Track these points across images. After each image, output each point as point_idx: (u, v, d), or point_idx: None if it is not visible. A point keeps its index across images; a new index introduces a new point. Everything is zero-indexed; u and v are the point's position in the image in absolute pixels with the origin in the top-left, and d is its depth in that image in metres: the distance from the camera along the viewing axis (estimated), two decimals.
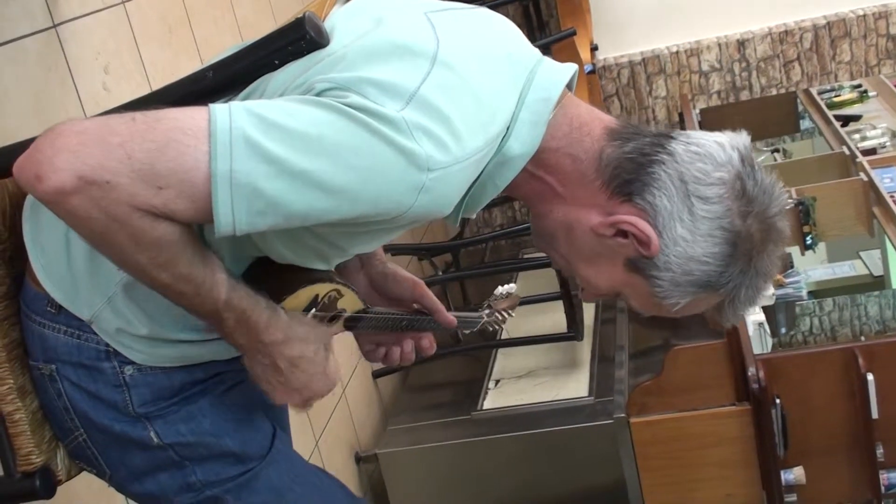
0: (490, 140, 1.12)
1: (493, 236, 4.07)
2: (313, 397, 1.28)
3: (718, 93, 5.23)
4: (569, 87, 1.24)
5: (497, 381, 3.81)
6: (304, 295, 1.27)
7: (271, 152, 1.01)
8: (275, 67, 1.13)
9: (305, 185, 1.02)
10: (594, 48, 5.08)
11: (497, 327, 1.74)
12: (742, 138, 1.20)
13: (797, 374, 3.40)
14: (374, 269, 1.52)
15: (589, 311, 4.16)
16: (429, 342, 1.54)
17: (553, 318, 4.10)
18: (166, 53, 2.76)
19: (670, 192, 1.16)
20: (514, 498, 3.57)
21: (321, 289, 1.28)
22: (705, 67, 5.22)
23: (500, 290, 1.74)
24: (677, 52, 5.21)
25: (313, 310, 1.29)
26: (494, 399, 3.68)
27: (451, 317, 1.52)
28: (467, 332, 1.68)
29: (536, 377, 3.78)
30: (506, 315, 1.75)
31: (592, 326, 4.07)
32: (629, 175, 1.17)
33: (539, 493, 3.54)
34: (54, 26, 2.29)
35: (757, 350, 3.65)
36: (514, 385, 3.76)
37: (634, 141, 1.19)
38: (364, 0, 1.22)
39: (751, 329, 3.85)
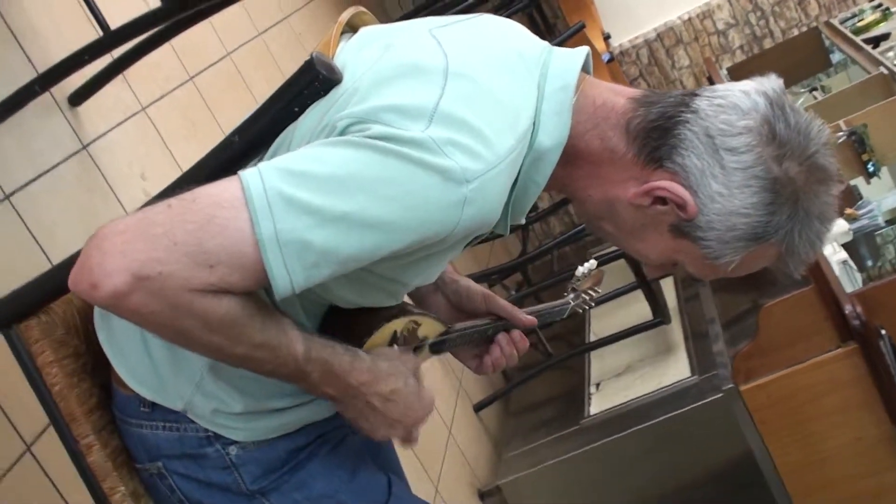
0: (520, 138, 1.11)
1: (557, 244, 4.03)
2: (415, 426, 1.27)
3: (741, 47, 5.17)
4: (585, 70, 1.23)
5: (598, 385, 3.77)
6: (383, 334, 1.26)
7: (310, 203, 1.01)
8: (296, 116, 1.13)
9: (350, 226, 1.02)
10: (607, 37, 5.06)
11: (587, 307, 1.71)
12: (770, 82, 1.17)
13: None
14: (448, 288, 1.52)
15: (671, 293, 4.11)
16: (518, 334, 1.52)
17: (636, 308, 4.05)
18: (196, 146, 2.79)
19: (699, 150, 1.13)
20: (647, 495, 3.51)
21: (398, 324, 1.27)
22: (721, 26, 5.17)
23: (581, 269, 1.71)
24: (689, 19, 5.17)
25: (395, 346, 1.28)
26: (600, 402, 3.64)
27: (528, 318, 1.51)
28: (559, 320, 1.65)
29: (635, 370, 3.73)
30: (593, 293, 1.72)
31: (677, 307, 4.01)
32: (657, 141, 1.16)
33: (669, 485, 3.48)
34: (84, 147, 2.33)
35: (848, 288, 3.56)
36: (616, 384, 3.71)
37: (658, 106, 1.17)
38: (370, 31, 1.23)
39: (836, 269, 3.76)
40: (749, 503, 3.46)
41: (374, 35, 1.21)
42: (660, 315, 3.73)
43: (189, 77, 2.98)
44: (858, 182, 5.09)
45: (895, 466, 3.33)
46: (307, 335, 1.15)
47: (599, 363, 3.90)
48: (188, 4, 2.00)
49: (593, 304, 1.72)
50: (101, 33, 2.07)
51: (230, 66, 3.28)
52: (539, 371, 3.86)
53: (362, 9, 1.29)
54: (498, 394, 3.90)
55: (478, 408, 3.87)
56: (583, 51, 1.22)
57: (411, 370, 1.26)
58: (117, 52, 2.23)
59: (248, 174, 1.02)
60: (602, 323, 4.14)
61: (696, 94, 1.17)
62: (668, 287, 4.14)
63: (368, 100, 1.06)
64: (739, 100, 1.14)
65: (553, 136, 1.16)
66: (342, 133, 1.06)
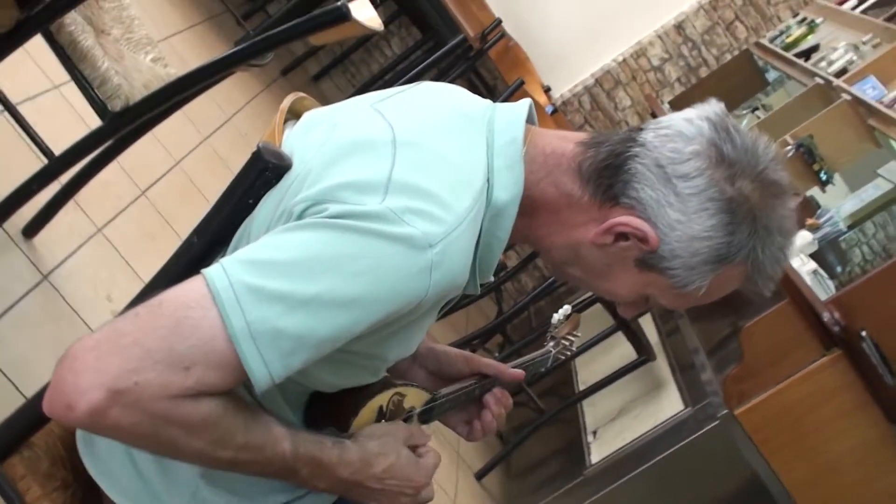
0: (476, 197, 1.12)
1: (531, 299, 4.02)
2: (420, 490, 1.25)
3: (679, 80, 5.25)
4: (530, 121, 1.24)
5: (595, 433, 3.74)
6: (368, 411, 1.25)
7: (277, 290, 1.00)
8: (251, 207, 1.13)
9: (321, 308, 1.01)
10: (547, 90, 5.13)
11: (568, 353, 1.70)
12: (711, 106, 1.19)
13: (871, 300, 3.33)
14: (426, 358, 1.50)
15: (651, 330, 4.11)
16: (499, 391, 1.49)
17: (619, 350, 4.05)
18: (159, 259, 2.75)
19: (651, 182, 1.14)
20: None
21: (382, 399, 1.26)
22: (656, 62, 5.26)
23: (557, 316, 1.70)
24: (624, 60, 5.25)
25: (382, 421, 1.26)
26: (600, 450, 3.61)
27: (516, 372, 1.49)
28: (543, 370, 1.64)
29: (629, 412, 3.71)
30: (572, 338, 1.72)
31: (660, 342, 4.01)
32: (610, 179, 1.16)
33: None
34: (45, 278, 2.31)
35: (822, 296, 3.58)
36: (612, 429, 3.69)
37: (606, 145, 1.19)
38: (313, 114, 1.24)
39: (808, 279, 3.78)
40: None
41: (318, 117, 1.21)
42: (644, 353, 3.73)
43: (141, 192, 2.97)
44: (814, 192, 5.15)
45: None
46: (293, 431, 1.13)
47: (593, 411, 3.88)
48: (127, 120, 2.00)
49: (574, 349, 1.72)
50: (45, 161, 2.06)
51: (181, 174, 3.28)
52: (534, 429, 3.83)
53: (302, 94, 1.30)
54: (497, 458, 3.86)
55: (479, 475, 3.83)
56: (525, 103, 1.23)
57: (402, 441, 1.24)
58: (65, 177, 2.22)
59: (212, 271, 1.01)
60: (588, 370, 4.13)
61: (641, 129, 1.18)
62: (647, 325, 4.15)
63: (322, 181, 1.06)
64: (684, 127, 1.15)
65: (509, 189, 1.16)
66: (300, 217, 1.05)
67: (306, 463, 1.13)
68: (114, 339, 0.98)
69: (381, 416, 1.27)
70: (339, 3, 1.86)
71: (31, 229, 2.34)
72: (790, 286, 3.51)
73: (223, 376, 1.01)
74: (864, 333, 3.29)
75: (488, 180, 1.15)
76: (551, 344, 1.68)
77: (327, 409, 1.22)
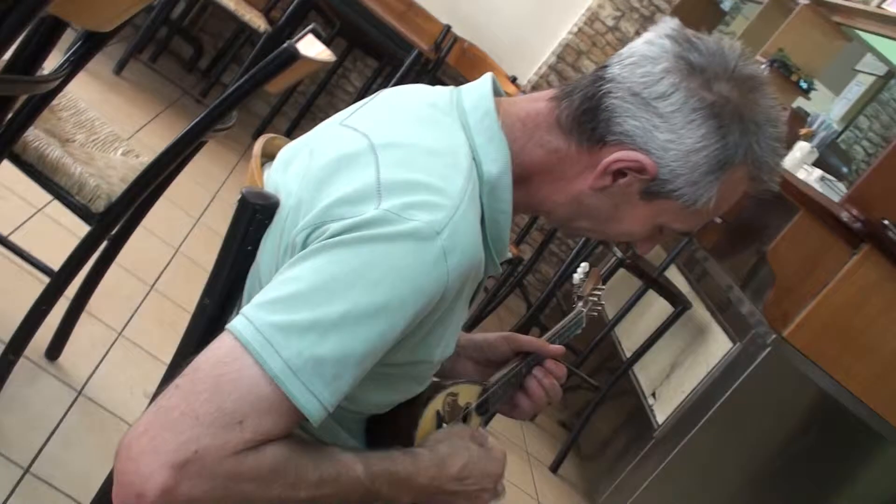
0: (467, 176, 1.11)
1: (555, 285, 4.02)
2: (498, 481, 1.25)
3: (637, 33, 5.24)
4: (497, 94, 1.23)
5: (653, 394, 3.72)
6: (427, 420, 1.24)
7: (304, 321, 1.00)
8: (253, 254, 1.13)
9: (352, 325, 1.01)
10: (513, 79, 5.13)
11: (599, 308, 1.70)
12: (666, 23, 1.18)
13: (884, 188, 3.33)
14: (469, 349, 1.50)
15: (680, 280, 4.09)
16: (551, 362, 1.49)
17: (655, 308, 4.04)
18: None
19: (631, 112, 1.13)
20: (750, 473, 3.45)
21: (437, 404, 1.25)
22: (610, 22, 5.25)
23: (577, 276, 1.70)
24: (580, 30, 5.25)
25: (444, 426, 1.26)
26: (663, 409, 3.59)
27: (555, 347, 1.49)
28: (580, 331, 1.63)
29: (681, 365, 3.69)
30: (598, 293, 1.71)
31: (691, 289, 3.99)
32: (591, 123, 1.16)
33: (765, 454, 3.42)
34: (80, 393, 2.32)
35: (836, 199, 3.56)
36: (669, 385, 3.67)
37: (578, 92, 1.18)
38: (287, 149, 1.24)
39: (818, 187, 3.76)
40: (847, 438, 3.41)
41: (294, 150, 1.21)
42: (679, 303, 3.71)
43: (149, 286, 2.98)
44: (799, 103, 5.14)
45: None
46: (362, 453, 1.12)
47: (646, 374, 3.86)
48: (114, 217, 2.01)
49: (602, 303, 1.71)
50: (47, 279, 2.07)
51: (183, 259, 3.29)
52: (594, 408, 3.81)
53: (272, 135, 1.30)
54: (566, 446, 3.84)
55: (554, 468, 3.81)
56: (486, 77, 1.23)
57: (469, 438, 1.24)
58: (71, 291, 2.23)
59: (236, 322, 1.01)
60: (630, 336, 4.11)
61: (606, 66, 1.17)
62: (675, 276, 4.13)
63: (315, 206, 1.06)
64: (646, 50, 1.14)
65: (497, 161, 1.16)
66: (304, 246, 1.05)
67: (384, 480, 1.12)
68: (161, 417, 0.98)
69: (440, 420, 1.26)
70: (285, 45, 1.86)
71: (54, 350, 2.35)
72: (802, 197, 3.50)
73: (277, 420, 1.01)
74: (886, 222, 3.27)
75: (474, 159, 1.14)
76: (580, 304, 1.68)
77: (387, 429, 1.21)
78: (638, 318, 4.14)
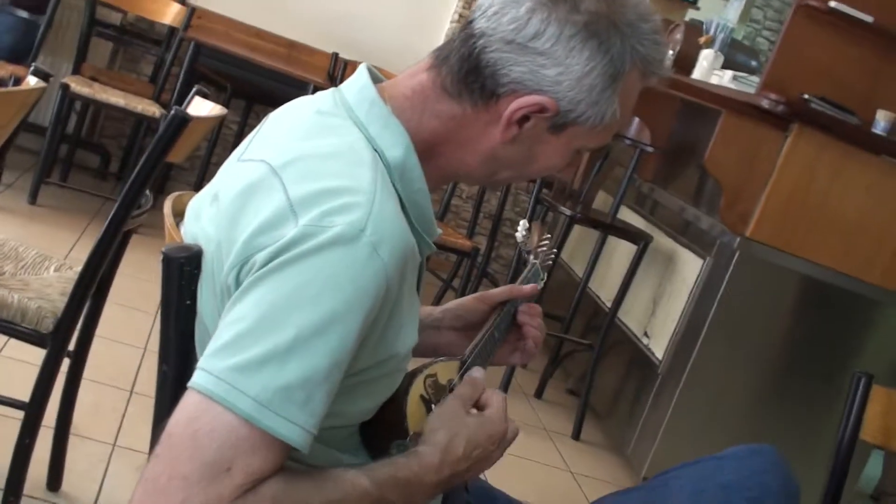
0: (372, 167, 1.11)
1: (519, 261, 4.03)
2: (504, 436, 1.25)
3: None
4: (378, 81, 1.24)
5: (645, 334, 3.74)
6: (414, 407, 1.23)
7: (259, 356, 0.99)
8: (193, 307, 1.12)
9: (307, 344, 1.00)
10: None
11: (552, 257, 1.72)
12: None
13: (793, 65, 3.39)
14: (446, 320, 1.51)
15: (633, 218, 4.12)
16: (525, 305, 1.52)
17: (619, 253, 4.06)
18: None
19: (512, 59, 1.14)
20: (764, 375, 3.47)
21: (417, 389, 1.25)
22: None
23: (519, 234, 1.72)
24: (460, 15, 5.28)
25: (433, 406, 1.25)
26: (659, 344, 3.60)
27: (528, 286, 1.52)
28: (541, 284, 1.65)
29: (662, 297, 3.71)
30: (546, 243, 1.73)
31: (647, 223, 4.02)
32: (477, 81, 1.16)
33: (772, 351, 3.45)
34: None
35: (753, 91, 3.60)
36: (657, 320, 3.69)
37: (454, 56, 1.19)
38: (195, 200, 1.23)
39: (734, 86, 3.80)
40: (841, 312, 3.44)
41: (201, 198, 1.21)
42: (640, 239, 3.73)
43: (129, 391, 2.95)
44: (690, 14, 5.20)
45: None
46: (363, 467, 1.12)
47: (632, 317, 3.88)
48: (66, 331, 1.99)
49: (555, 250, 1.72)
50: (22, 412, 2.04)
51: (153, 356, 3.25)
52: (594, 366, 3.82)
53: (177, 193, 1.30)
54: (581, 412, 3.84)
55: (576, 435, 3.81)
56: (361, 68, 1.23)
57: (462, 409, 1.23)
58: (49, 419, 2.20)
59: (195, 378, 1.00)
60: (606, 287, 4.13)
61: (471, 22, 1.18)
62: (628, 216, 4.15)
63: (234, 243, 1.06)
64: None
65: (397, 144, 1.16)
66: (238, 284, 1.05)
67: (392, 488, 1.11)
68: (150, 487, 0.97)
69: (428, 405, 1.25)
70: (173, 112, 1.86)
71: (53, 481, 2.32)
72: (721, 100, 3.53)
73: (265, 457, 1.00)
74: (806, 96, 3.32)
75: (375, 150, 1.15)
76: (531, 258, 1.69)
77: (380, 432, 1.20)
78: (607, 267, 4.16)
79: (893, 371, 3.48)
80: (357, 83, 1.21)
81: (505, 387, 3.72)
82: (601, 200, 4.36)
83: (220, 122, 4.18)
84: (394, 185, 1.14)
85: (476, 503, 1.45)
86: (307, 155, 1.10)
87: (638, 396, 3.66)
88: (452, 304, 1.53)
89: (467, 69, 1.16)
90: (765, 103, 3.25)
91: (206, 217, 1.14)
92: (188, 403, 1.00)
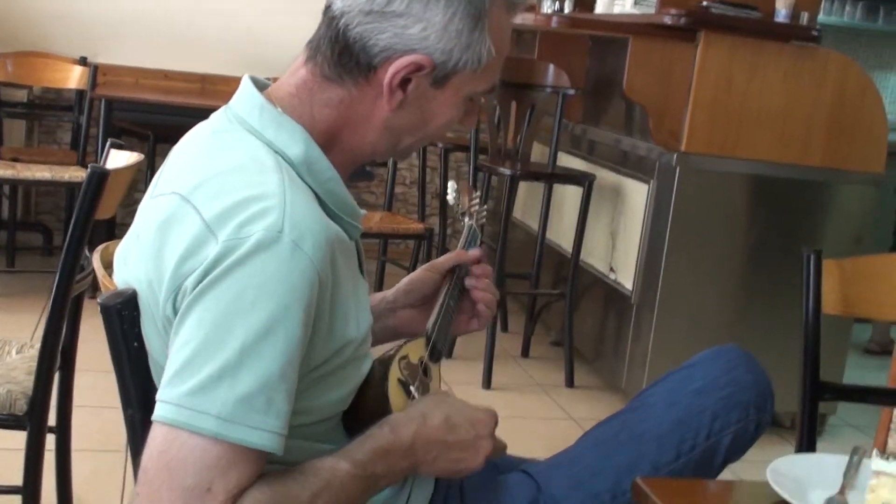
0: (277, 169, 1.14)
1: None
2: (490, 428, 1.28)
3: None
4: (263, 87, 1.26)
5: (611, 269, 3.78)
6: (394, 392, 1.26)
7: (212, 374, 1.02)
8: (142, 348, 1.15)
9: (255, 351, 1.04)
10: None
11: (484, 215, 1.74)
12: None
13: None
14: (401, 300, 1.53)
15: (573, 161, 4.16)
16: (476, 267, 1.54)
17: (567, 198, 4.10)
18: None
19: (376, 28, 1.17)
20: (736, 276, 3.53)
21: (394, 374, 1.28)
22: None
23: (450, 197, 1.74)
24: None
25: (411, 388, 1.29)
26: (626, 275, 3.65)
27: (473, 252, 1.54)
28: (480, 243, 1.67)
29: (618, 230, 3.76)
30: (477, 201, 1.75)
31: (587, 163, 4.06)
32: (351, 60, 1.19)
33: (735, 254, 3.51)
34: None
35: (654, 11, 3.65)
36: (619, 253, 3.73)
37: (323, 42, 1.21)
38: (120, 247, 1.25)
39: (637, 11, 3.84)
40: (796, 201, 3.51)
41: (125, 244, 1.23)
42: (584, 179, 3.77)
43: (123, 451, 2.96)
44: None
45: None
46: (339, 452, 1.15)
47: (595, 257, 3.92)
48: (41, 409, 2.00)
49: (486, 208, 1.75)
50: (20, 496, 2.05)
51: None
52: (570, 313, 3.85)
53: (103, 245, 1.32)
54: (569, 359, 3.87)
55: (569, 383, 3.86)
56: (244, 79, 1.26)
57: (441, 393, 1.28)
58: (49, 498, 2.21)
59: (156, 411, 1.04)
60: (563, 235, 4.16)
61: (329, 6, 1.21)
62: (569, 160, 4.19)
63: (163, 277, 1.08)
64: None
65: (296, 141, 1.19)
66: (175, 313, 1.07)
67: (372, 461, 1.15)
68: None
69: (406, 386, 1.29)
70: (89, 170, 1.87)
71: None
72: (623, 27, 3.58)
73: (242, 469, 1.03)
74: (705, 3, 3.36)
75: (276, 152, 1.17)
76: (466, 219, 1.71)
77: (363, 419, 1.22)
78: (560, 216, 4.19)
79: (854, 242, 3.55)
80: (243, 94, 1.23)
81: (490, 353, 3.75)
82: (539, 152, 4.39)
83: (147, 167, 4.18)
84: (304, 181, 1.17)
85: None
86: (212, 175, 1.13)
87: (619, 331, 3.71)
88: (402, 281, 1.55)
89: (339, 51, 1.19)
90: (667, 20, 3.29)
91: (133, 259, 1.17)
92: (156, 437, 1.03)
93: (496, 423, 1.30)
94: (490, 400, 3.59)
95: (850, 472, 1.12)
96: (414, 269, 4.70)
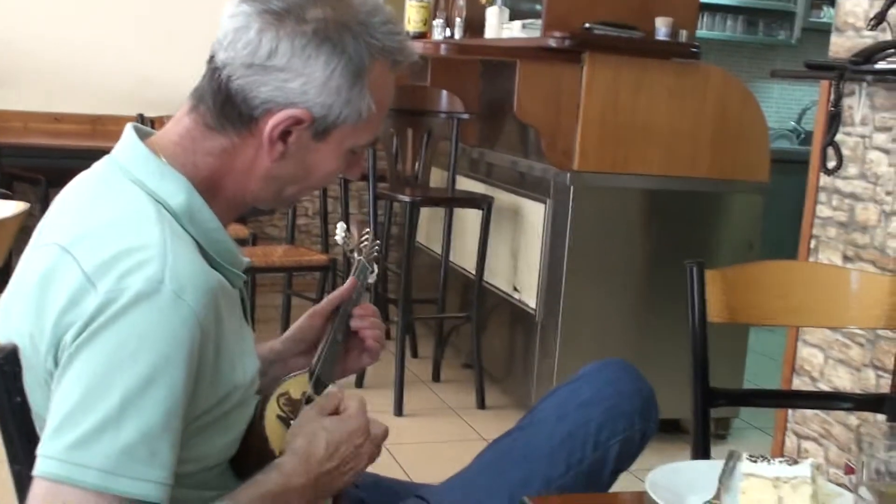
0: (157, 220, 1.14)
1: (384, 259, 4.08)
2: (367, 432, 1.30)
3: None
4: (148, 135, 1.26)
5: (515, 288, 3.83)
6: (274, 430, 1.27)
7: (93, 426, 1.03)
8: (25, 402, 1.14)
9: (136, 403, 1.04)
10: None
11: (376, 249, 1.76)
12: None
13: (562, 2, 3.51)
14: (287, 351, 1.52)
15: (472, 184, 4.20)
16: (357, 309, 1.54)
17: (468, 221, 4.14)
18: None
19: (256, 81, 1.18)
20: (636, 286, 3.60)
21: (272, 411, 1.28)
22: None
23: (339, 236, 1.75)
24: None
25: (292, 423, 1.29)
26: (529, 294, 3.71)
27: (346, 287, 1.54)
28: (372, 279, 1.68)
29: (518, 250, 3.81)
30: (367, 237, 1.77)
31: (486, 185, 4.11)
32: (233, 110, 1.20)
33: (635, 265, 3.58)
34: None
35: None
36: (521, 272, 3.79)
37: (207, 94, 1.22)
38: (3, 296, 1.24)
39: (525, 34, 3.91)
40: (690, 212, 3.61)
41: (6, 298, 1.21)
42: (483, 203, 3.82)
43: None
44: None
45: None
46: (227, 496, 1.15)
47: (499, 277, 3.97)
48: None
49: (378, 243, 1.76)
50: None
51: None
52: (477, 335, 3.89)
53: None
54: (479, 381, 3.91)
55: (480, 405, 3.90)
56: (127, 128, 1.26)
57: (318, 416, 1.28)
58: None
59: (36, 466, 1.03)
60: (467, 257, 4.19)
61: (212, 57, 1.22)
62: (469, 185, 4.24)
63: (44, 330, 1.08)
64: (234, 24, 1.19)
65: (178, 191, 1.19)
66: (57, 365, 1.07)
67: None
68: None
69: (286, 422, 1.29)
70: None
71: None
72: (511, 51, 3.66)
73: None
74: (587, 25, 3.45)
75: (158, 201, 1.17)
76: (356, 255, 1.72)
77: (248, 463, 1.23)
78: (462, 238, 4.24)
79: (747, 248, 3.66)
80: (125, 143, 1.24)
81: (400, 379, 3.77)
82: (438, 176, 4.44)
83: (39, 213, 4.09)
84: (186, 230, 1.18)
85: (368, 497, 1.49)
86: (93, 226, 1.13)
87: (525, 350, 3.76)
88: (289, 331, 1.55)
89: (221, 101, 1.20)
90: (552, 42, 3.37)
91: (16, 313, 1.16)
92: (37, 493, 1.03)
93: (367, 419, 1.31)
94: (403, 426, 3.61)
95: (726, 476, 1.16)
96: (320, 300, 4.73)
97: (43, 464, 1.02)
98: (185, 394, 1.07)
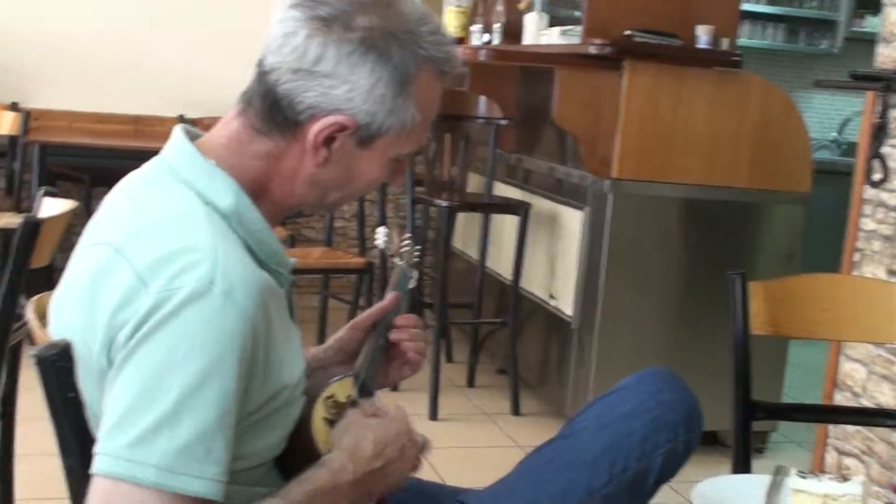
0: (208, 220, 1.16)
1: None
2: (410, 435, 1.31)
3: None
4: (197, 136, 1.28)
5: (551, 295, 3.83)
6: (320, 431, 1.28)
7: (150, 424, 1.04)
8: (77, 399, 1.16)
9: (191, 402, 1.06)
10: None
11: (417, 255, 1.76)
12: None
13: (607, 7, 3.50)
14: (329, 359, 1.54)
15: (510, 191, 4.21)
16: (399, 319, 1.55)
17: (505, 227, 4.14)
18: None
19: (303, 86, 1.19)
20: (673, 297, 3.59)
21: (319, 413, 1.29)
22: None
23: (380, 241, 1.76)
24: None
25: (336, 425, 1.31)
26: (566, 301, 3.70)
27: (389, 300, 1.55)
28: (412, 284, 1.69)
29: (556, 257, 3.81)
30: (407, 243, 1.77)
31: (523, 192, 4.11)
32: (280, 114, 1.21)
33: (673, 275, 3.57)
34: None
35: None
36: (558, 279, 3.78)
37: (255, 97, 1.23)
38: (53, 297, 1.26)
39: (563, 40, 3.91)
40: (729, 224, 3.59)
41: (58, 295, 1.23)
42: (520, 209, 3.82)
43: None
44: None
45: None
46: (278, 493, 1.17)
47: (535, 284, 3.97)
48: None
49: (418, 249, 1.77)
50: None
51: None
52: (513, 341, 3.89)
53: (37, 295, 1.33)
54: (514, 388, 3.91)
55: (515, 411, 3.89)
56: (176, 129, 1.28)
57: (362, 416, 1.29)
58: None
59: (96, 464, 1.05)
60: (503, 263, 4.20)
61: (262, 60, 1.23)
62: (506, 191, 4.25)
63: (97, 328, 1.10)
64: (283, 29, 1.20)
65: (227, 193, 1.20)
66: (111, 364, 1.09)
67: (310, 501, 1.16)
68: None
69: (332, 423, 1.31)
70: (23, 220, 1.87)
71: None
72: (549, 57, 3.66)
73: None
74: (628, 32, 3.44)
75: (207, 203, 1.19)
76: (397, 259, 1.73)
77: (295, 463, 1.24)
78: (499, 244, 4.24)
79: (787, 260, 3.63)
80: (175, 145, 1.25)
81: (435, 384, 3.77)
82: (475, 182, 4.44)
83: (84, 211, 4.14)
84: (235, 232, 1.19)
85: (410, 500, 1.50)
86: (143, 227, 1.15)
87: (561, 357, 3.75)
88: (329, 341, 1.57)
89: (268, 105, 1.22)
90: (591, 49, 3.36)
91: (67, 310, 1.18)
92: (97, 490, 1.04)
93: (410, 424, 1.33)
94: (437, 430, 3.61)
95: (773, 491, 1.16)
96: (356, 303, 4.77)
97: (101, 461, 1.04)
98: (238, 392, 1.09)
